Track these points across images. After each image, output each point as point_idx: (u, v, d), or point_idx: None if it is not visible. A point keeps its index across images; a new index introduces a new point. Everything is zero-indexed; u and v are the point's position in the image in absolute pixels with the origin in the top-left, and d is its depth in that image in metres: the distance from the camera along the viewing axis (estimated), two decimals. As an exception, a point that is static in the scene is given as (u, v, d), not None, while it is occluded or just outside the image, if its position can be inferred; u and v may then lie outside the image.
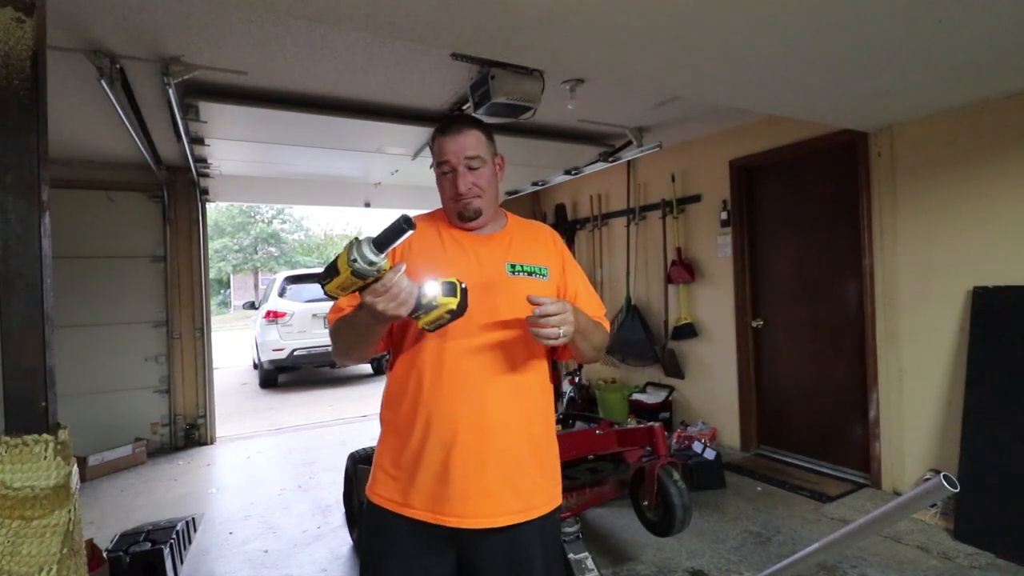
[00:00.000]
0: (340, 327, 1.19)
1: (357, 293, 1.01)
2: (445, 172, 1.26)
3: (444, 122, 1.30)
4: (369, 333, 1.11)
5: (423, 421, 1.17)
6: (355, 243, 0.93)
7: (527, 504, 1.19)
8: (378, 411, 1.31)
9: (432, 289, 1.00)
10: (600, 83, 3.00)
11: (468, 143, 1.25)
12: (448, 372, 1.17)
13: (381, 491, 1.22)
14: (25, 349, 0.97)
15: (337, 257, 0.94)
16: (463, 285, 1.02)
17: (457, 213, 1.27)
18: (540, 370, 1.28)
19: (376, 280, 0.95)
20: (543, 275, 1.29)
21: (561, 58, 2.21)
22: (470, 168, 1.25)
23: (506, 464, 1.17)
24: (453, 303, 0.99)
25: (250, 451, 4.84)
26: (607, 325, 1.37)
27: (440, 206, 1.37)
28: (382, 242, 0.93)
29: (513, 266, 1.27)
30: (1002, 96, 2.75)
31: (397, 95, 3.17)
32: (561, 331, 1.07)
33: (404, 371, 1.22)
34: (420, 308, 1.00)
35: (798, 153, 3.78)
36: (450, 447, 1.14)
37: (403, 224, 0.92)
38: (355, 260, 0.92)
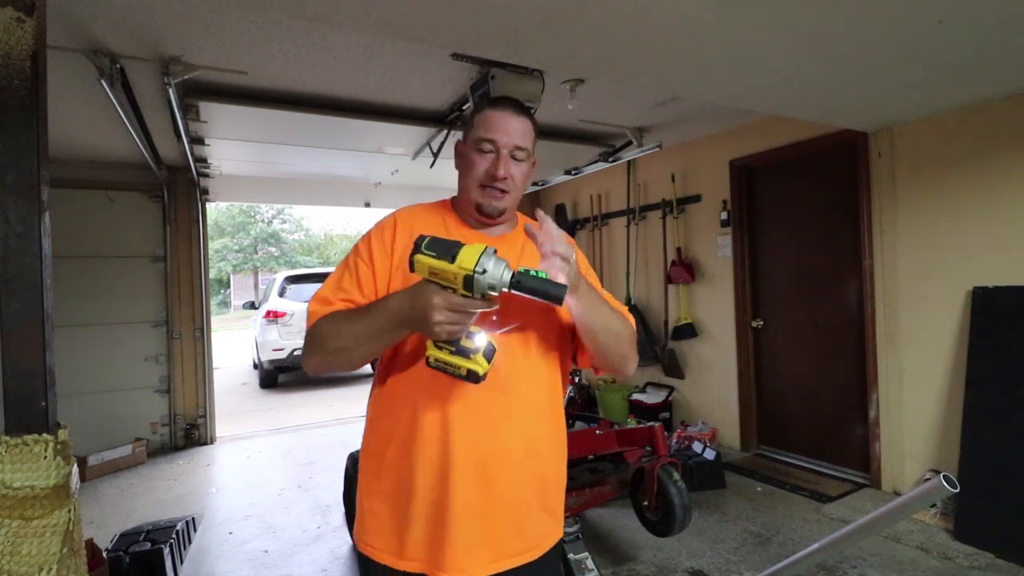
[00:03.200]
0: (338, 324, 1.01)
1: (360, 290, 1.00)
2: (486, 150, 1.09)
3: (496, 98, 1.15)
4: (383, 338, 0.96)
5: (423, 455, 1.02)
6: (494, 258, 0.85)
7: (530, 544, 1.08)
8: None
9: (481, 341, 0.91)
10: (600, 83, 3.00)
11: (523, 130, 1.11)
12: (453, 396, 1.02)
13: (372, 541, 1.06)
14: (25, 349, 0.97)
15: (461, 247, 0.85)
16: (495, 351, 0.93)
17: (477, 204, 1.10)
18: (555, 390, 1.13)
19: (467, 298, 0.85)
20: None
21: (561, 58, 2.21)
22: (515, 158, 1.10)
23: (512, 507, 1.05)
24: (482, 368, 0.90)
25: (250, 451, 4.84)
26: (631, 320, 1.17)
27: (441, 199, 1.21)
28: (522, 286, 0.85)
29: (526, 270, 1.14)
30: (1002, 96, 2.75)
31: (397, 95, 3.17)
32: (562, 250, 0.93)
33: (399, 393, 1.06)
34: (454, 344, 0.90)
35: (798, 153, 3.78)
36: (451, 487, 1.00)
37: (556, 296, 0.85)
38: (483, 272, 0.83)
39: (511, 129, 1.09)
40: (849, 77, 2.44)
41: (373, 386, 1.15)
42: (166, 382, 4.85)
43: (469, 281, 0.83)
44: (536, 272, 1.08)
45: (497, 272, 0.83)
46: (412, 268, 0.88)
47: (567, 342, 1.15)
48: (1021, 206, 2.75)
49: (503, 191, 1.10)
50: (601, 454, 3.09)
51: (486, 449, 1.02)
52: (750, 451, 4.17)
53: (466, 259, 0.83)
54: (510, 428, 1.05)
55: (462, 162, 1.14)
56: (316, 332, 1.03)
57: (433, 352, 0.91)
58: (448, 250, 0.85)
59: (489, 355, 0.90)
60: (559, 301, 0.85)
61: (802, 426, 3.93)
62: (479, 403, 1.02)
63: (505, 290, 0.85)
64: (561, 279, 0.91)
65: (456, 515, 1.00)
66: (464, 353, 0.90)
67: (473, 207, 1.11)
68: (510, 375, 1.05)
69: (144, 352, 4.79)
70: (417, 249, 0.87)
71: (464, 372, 0.89)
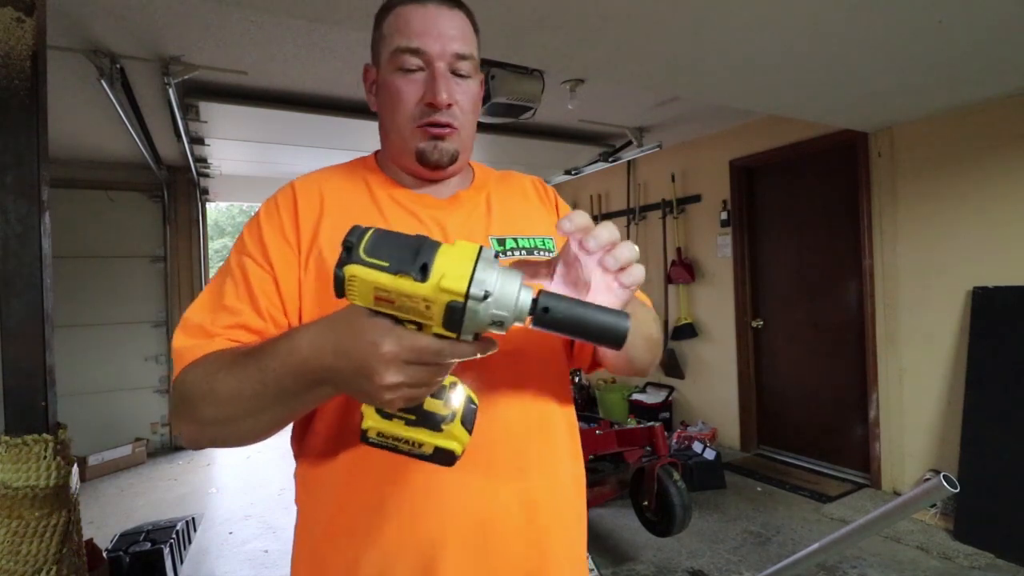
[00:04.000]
0: (215, 378, 0.59)
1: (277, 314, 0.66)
2: (411, 67, 0.71)
3: None
4: (290, 404, 0.57)
5: (401, 528, 0.67)
6: (497, 266, 0.47)
7: None
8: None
9: (457, 399, 0.55)
10: (600, 83, 3.00)
11: (461, 29, 0.73)
12: (416, 479, 0.68)
13: None
14: (25, 349, 0.97)
15: (435, 248, 0.47)
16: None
17: (419, 152, 0.73)
18: (565, 408, 0.80)
19: (445, 339, 0.48)
20: (548, 250, 0.79)
21: (561, 58, 2.21)
22: (457, 73, 0.72)
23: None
24: (460, 445, 0.54)
25: (250, 451, 4.83)
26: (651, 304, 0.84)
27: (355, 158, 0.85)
28: (555, 318, 0.48)
29: (502, 241, 0.76)
30: (1002, 96, 2.75)
31: (397, 95, 3.16)
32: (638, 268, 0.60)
33: (347, 445, 0.69)
34: (416, 412, 0.53)
35: (798, 153, 3.78)
36: (438, 566, 0.67)
37: (616, 334, 0.48)
38: (484, 296, 0.45)
39: (444, 30, 0.70)
40: (849, 77, 2.44)
41: (298, 461, 0.75)
42: (166, 382, 4.84)
43: (457, 314, 0.45)
44: (515, 240, 0.77)
45: (509, 294, 0.46)
46: (340, 291, 0.48)
47: (562, 350, 0.82)
48: (1021, 206, 2.75)
49: (450, 125, 0.72)
50: (601, 454, 3.09)
51: (490, 516, 0.69)
52: (750, 451, 4.16)
53: (450, 272, 0.45)
54: (517, 469, 0.72)
55: (381, 96, 0.76)
56: (183, 390, 0.62)
57: (376, 423, 0.53)
58: (412, 255, 0.46)
59: (470, 420, 0.55)
60: (619, 342, 0.48)
61: (802, 426, 3.93)
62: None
63: (520, 324, 0.48)
64: (609, 301, 0.56)
65: None
66: (431, 422, 0.53)
67: (412, 157, 0.74)
68: (508, 391, 0.71)
69: (144, 352, 4.79)
70: (351, 255, 0.46)
71: (430, 451, 0.54)
